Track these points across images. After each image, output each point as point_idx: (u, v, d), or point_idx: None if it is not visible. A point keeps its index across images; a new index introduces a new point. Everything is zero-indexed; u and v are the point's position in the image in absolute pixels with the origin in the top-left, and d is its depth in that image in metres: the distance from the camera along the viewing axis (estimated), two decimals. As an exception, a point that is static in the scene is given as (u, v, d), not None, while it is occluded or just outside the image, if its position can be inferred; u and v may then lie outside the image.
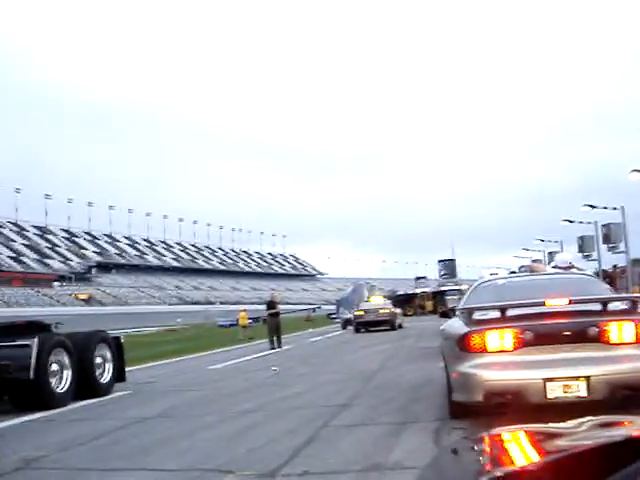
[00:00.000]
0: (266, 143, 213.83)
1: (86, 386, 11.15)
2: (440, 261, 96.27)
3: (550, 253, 71.09)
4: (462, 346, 6.31)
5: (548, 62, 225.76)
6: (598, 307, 6.22)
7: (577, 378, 5.90)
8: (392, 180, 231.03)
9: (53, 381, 10.39)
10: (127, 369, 17.58)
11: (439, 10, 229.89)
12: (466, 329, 6.38)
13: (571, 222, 52.35)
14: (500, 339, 6.15)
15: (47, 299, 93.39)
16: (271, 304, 23.50)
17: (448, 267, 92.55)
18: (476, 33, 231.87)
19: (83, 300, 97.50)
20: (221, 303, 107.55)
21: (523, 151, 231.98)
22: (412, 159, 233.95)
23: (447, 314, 9.81)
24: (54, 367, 10.46)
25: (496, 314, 6.30)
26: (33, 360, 9.89)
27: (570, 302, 6.15)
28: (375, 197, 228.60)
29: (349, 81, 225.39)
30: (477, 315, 6.46)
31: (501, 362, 6.11)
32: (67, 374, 10.72)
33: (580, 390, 5.89)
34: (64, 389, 10.60)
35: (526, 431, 1.29)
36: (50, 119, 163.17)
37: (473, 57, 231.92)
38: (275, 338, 22.56)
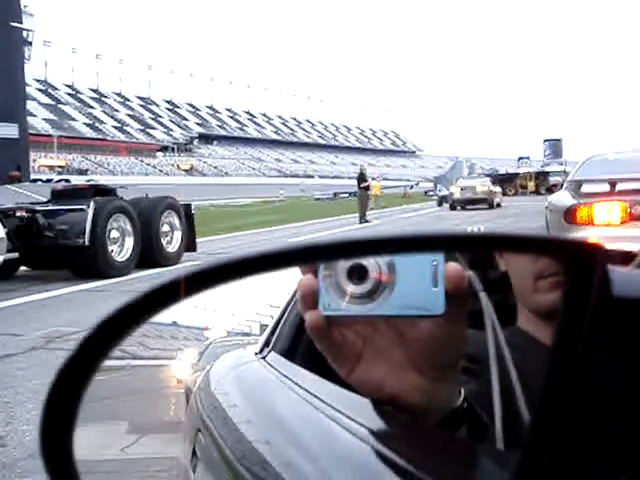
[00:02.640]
0: (373, 16, 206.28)
1: (151, 255, 10.45)
2: (546, 140, 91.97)
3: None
4: (569, 218, 6.23)
5: None
6: None
7: None
8: (503, 52, 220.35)
9: (113, 248, 9.70)
10: (210, 239, 17.17)
11: None
12: (574, 201, 6.28)
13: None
14: (608, 212, 6.04)
15: (150, 168, 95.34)
16: (362, 177, 22.40)
17: (554, 147, 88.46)
18: None
19: (185, 170, 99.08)
20: (320, 177, 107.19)
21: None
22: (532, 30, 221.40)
23: (554, 189, 9.30)
24: (114, 234, 9.74)
25: (605, 187, 6.17)
26: (88, 225, 9.16)
27: None
28: (481, 72, 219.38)
29: None
30: (586, 188, 6.36)
31: (608, 236, 5.81)
32: (129, 242, 10.01)
33: None
34: (125, 257, 9.92)
35: None
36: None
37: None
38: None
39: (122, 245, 9.88)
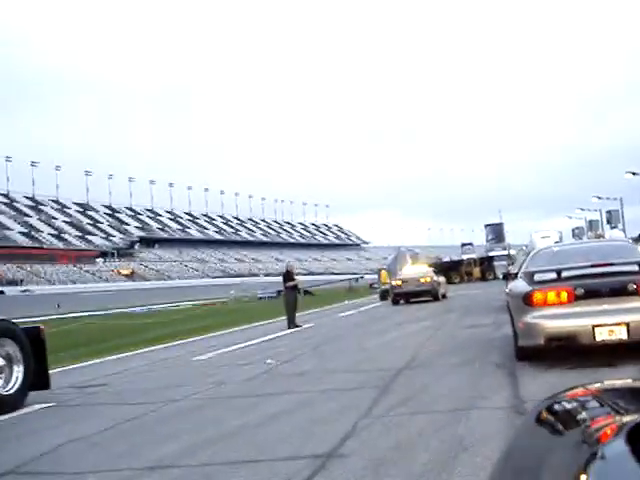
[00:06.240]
0: (309, 112, 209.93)
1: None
2: (487, 225, 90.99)
3: (608, 211, 65.75)
4: (527, 301, 7.66)
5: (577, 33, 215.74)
6: (635, 268, 7.48)
7: (619, 324, 7.27)
8: (439, 148, 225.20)
9: None
10: (125, 354, 14.59)
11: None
12: (530, 288, 7.73)
13: (634, 174, 47.51)
14: (557, 295, 7.50)
15: (89, 276, 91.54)
16: (288, 275, 19.62)
17: (495, 231, 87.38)
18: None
19: (125, 276, 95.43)
20: (265, 275, 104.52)
21: (570, 117, 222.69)
22: (461, 127, 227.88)
23: (507, 277, 12.43)
24: None
25: (553, 275, 7.65)
26: None
27: (612, 265, 7.61)
28: (422, 165, 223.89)
29: (397, 49, 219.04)
30: (538, 277, 7.77)
31: (558, 313, 7.46)
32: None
33: (622, 334, 7.27)
34: None
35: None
36: (91, 98, 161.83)
37: (522, 26, 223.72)
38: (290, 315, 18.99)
39: None
